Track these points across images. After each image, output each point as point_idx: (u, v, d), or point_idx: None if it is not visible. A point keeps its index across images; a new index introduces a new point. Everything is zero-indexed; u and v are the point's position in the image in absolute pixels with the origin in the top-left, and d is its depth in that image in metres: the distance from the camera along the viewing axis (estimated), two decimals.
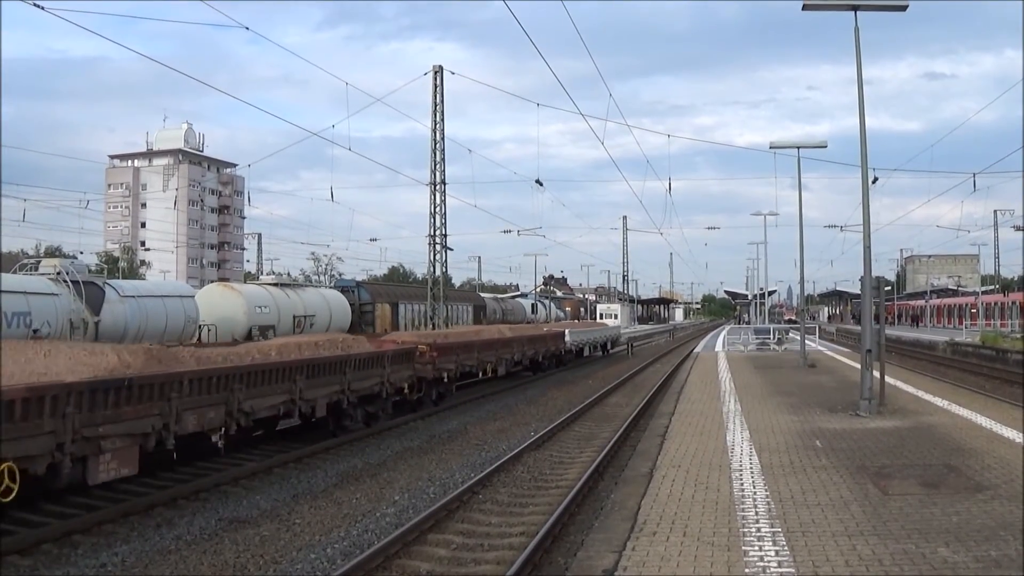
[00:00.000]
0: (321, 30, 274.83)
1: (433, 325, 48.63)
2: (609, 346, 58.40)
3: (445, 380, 26.00)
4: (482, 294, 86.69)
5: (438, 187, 47.69)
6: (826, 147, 32.77)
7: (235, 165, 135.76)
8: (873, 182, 20.73)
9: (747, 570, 7.90)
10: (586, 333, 51.12)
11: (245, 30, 37.03)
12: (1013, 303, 67.13)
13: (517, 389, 33.06)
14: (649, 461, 13.82)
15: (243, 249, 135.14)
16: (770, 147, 32.15)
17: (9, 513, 11.86)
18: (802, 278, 40.49)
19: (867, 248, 19.55)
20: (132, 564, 10.60)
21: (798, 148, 32.76)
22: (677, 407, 20.72)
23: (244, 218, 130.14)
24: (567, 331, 45.04)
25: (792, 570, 7.87)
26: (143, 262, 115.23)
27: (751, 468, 12.69)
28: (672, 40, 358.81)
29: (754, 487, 11.40)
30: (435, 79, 47.08)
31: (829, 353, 44.32)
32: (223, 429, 14.92)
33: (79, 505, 12.53)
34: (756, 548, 8.57)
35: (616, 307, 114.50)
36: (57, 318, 25.92)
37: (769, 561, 8.14)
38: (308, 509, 13.52)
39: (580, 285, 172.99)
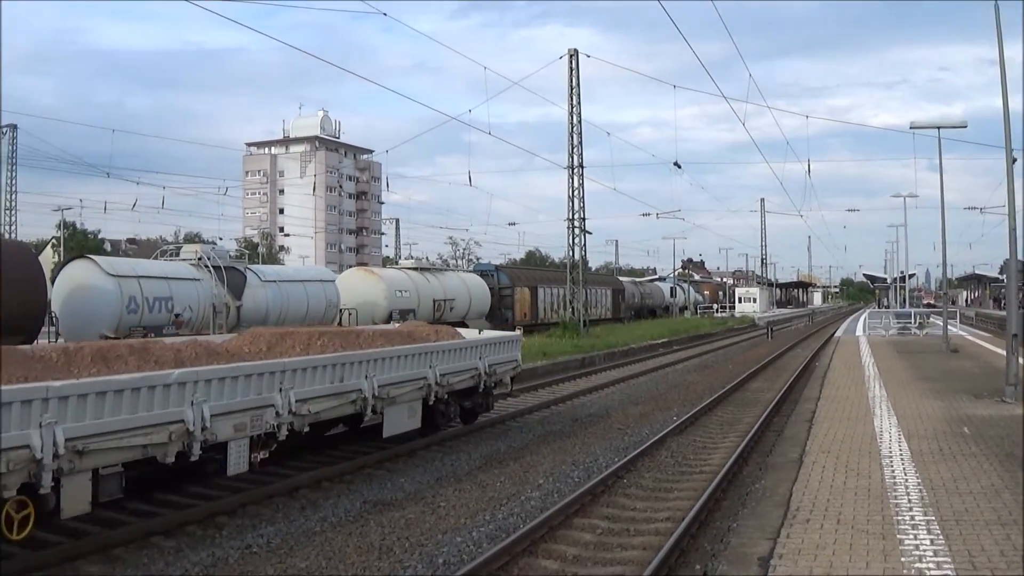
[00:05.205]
0: (454, 19, 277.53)
1: (572, 310, 48.32)
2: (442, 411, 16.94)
3: None
4: (620, 278, 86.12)
5: (576, 170, 47.29)
6: (966, 127, 31.67)
7: (371, 151, 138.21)
8: (1013, 163, 20.46)
9: (903, 559, 7.84)
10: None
11: (383, 16, 37.30)
12: None
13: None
14: (797, 447, 13.92)
15: (381, 234, 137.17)
16: (910, 127, 31.02)
17: (154, 495, 11.96)
18: (944, 261, 39.94)
19: (1012, 230, 19.51)
20: (278, 545, 10.52)
21: (938, 128, 31.72)
22: (822, 392, 20.81)
23: (382, 203, 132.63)
24: None
25: (948, 559, 7.80)
26: (282, 247, 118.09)
27: (901, 455, 12.77)
28: (802, 22, 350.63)
29: (905, 474, 11.44)
30: (571, 62, 46.74)
31: (970, 338, 43.85)
32: None
33: (223, 487, 12.56)
34: (911, 536, 8.55)
35: (755, 291, 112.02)
36: (199, 303, 26.38)
37: (925, 550, 8.10)
38: (452, 492, 13.34)
39: (718, 268, 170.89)
